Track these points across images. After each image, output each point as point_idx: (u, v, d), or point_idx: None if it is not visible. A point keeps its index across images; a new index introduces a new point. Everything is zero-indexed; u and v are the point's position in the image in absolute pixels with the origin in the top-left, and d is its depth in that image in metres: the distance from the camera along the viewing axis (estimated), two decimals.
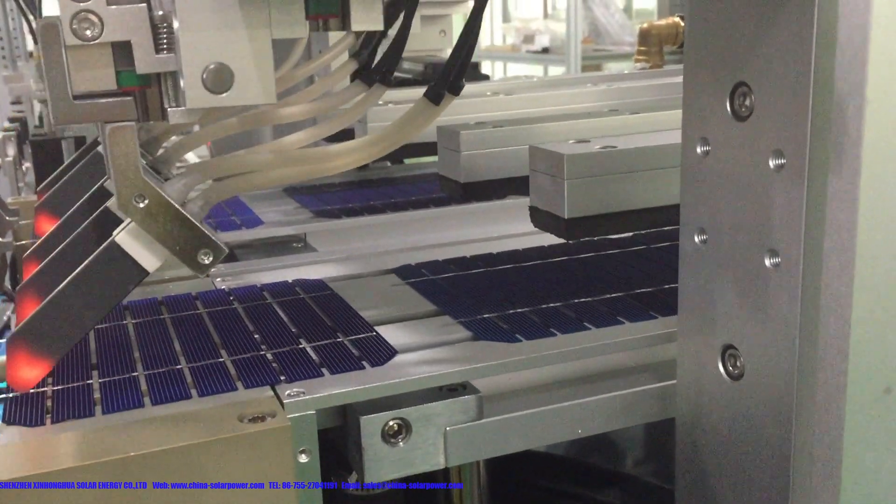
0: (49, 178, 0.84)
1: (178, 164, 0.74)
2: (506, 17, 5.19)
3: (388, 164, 1.20)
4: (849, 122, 0.38)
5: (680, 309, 0.50)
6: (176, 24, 0.43)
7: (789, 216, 0.42)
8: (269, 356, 0.54)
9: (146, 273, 0.49)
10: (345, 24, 0.46)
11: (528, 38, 4.35)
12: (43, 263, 0.58)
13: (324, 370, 0.52)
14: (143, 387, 0.50)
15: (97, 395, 0.50)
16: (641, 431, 0.85)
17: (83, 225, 0.58)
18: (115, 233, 0.49)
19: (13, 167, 1.33)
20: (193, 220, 0.49)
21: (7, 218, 0.93)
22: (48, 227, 0.73)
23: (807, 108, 0.40)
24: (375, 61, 0.68)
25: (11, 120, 1.41)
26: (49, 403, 0.49)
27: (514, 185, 0.71)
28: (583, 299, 0.62)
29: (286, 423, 0.45)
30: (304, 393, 0.48)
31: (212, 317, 0.62)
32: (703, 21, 0.46)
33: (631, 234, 0.75)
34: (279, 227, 0.88)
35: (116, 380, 0.52)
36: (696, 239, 0.48)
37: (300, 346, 0.55)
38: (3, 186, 1.33)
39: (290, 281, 0.70)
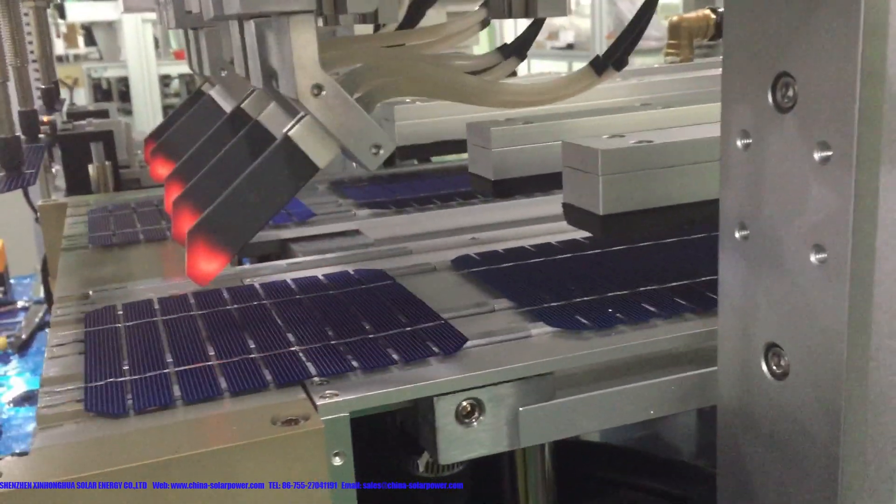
0: (157, 126, 0.87)
1: None
2: None
3: (416, 162, 1.20)
4: None
5: (720, 306, 0.49)
6: None
7: (836, 210, 0.40)
8: (302, 353, 0.53)
9: (316, 169, 0.50)
10: (528, 11, 0.47)
11: (553, 34, 4.33)
12: (196, 178, 0.59)
13: (356, 367, 0.51)
14: (174, 384, 0.50)
15: (128, 393, 0.49)
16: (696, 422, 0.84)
17: (233, 141, 0.59)
18: (286, 128, 0.50)
19: (44, 170, 1.33)
20: (366, 114, 0.50)
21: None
22: (164, 170, 0.78)
23: (854, 99, 0.38)
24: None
25: (42, 123, 1.42)
26: (82, 404, 0.49)
27: (546, 182, 0.70)
28: (647, 287, 0.61)
29: (319, 425, 0.45)
30: (337, 395, 0.48)
31: (242, 312, 0.61)
32: (743, 9, 0.44)
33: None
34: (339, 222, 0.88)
35: (147, 377, 0.51)
36: (738, 234, 0.47)
37: (331, 342, 0.55)
38: (34, 189, 1.34)
39: (351, 271, 0.69)
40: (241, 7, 0.45)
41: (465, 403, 0.49)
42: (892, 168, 0.38)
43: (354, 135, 0.49)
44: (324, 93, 0.48)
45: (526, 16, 0.49)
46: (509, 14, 0.48)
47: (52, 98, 1.48)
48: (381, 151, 0.50)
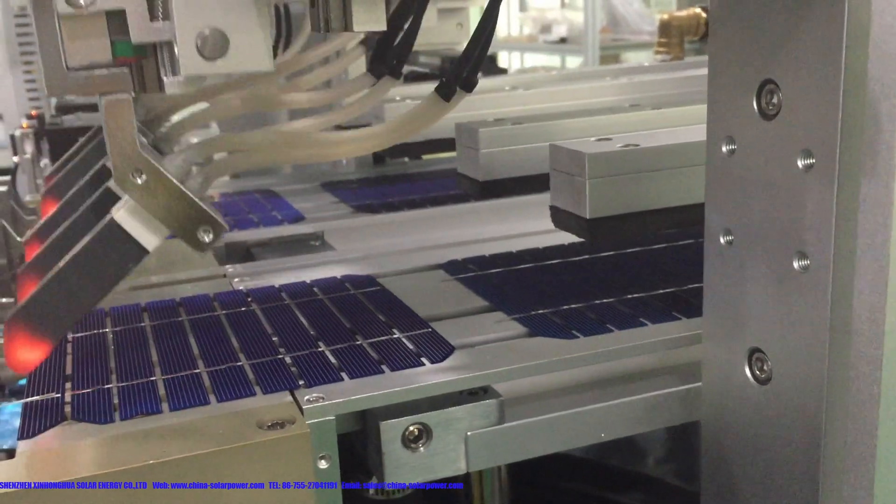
0: (56, 164, 0.84)
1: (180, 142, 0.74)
2: (522, 7, 5.15)
3: (406, 160, 1.20)
4: (882, 124, 0.37)
5: (705, 311, 0.49)
6: None
7: (819, 217, 0.40)
8: (289, 361, 0.53)
9: (146, 252, 0.48)
10: (346, 25, 0.45)
11: (546, 28, 4.32)
12: (44, 245, 0.57)
13: (343, 374, 0.51)
14: (162, 391, 0.50)
15: (115, 400, 0.49)
16: (662, 431, 0.84)
17: (84, 206, 0.57)
18: (112, 210, 0.48)
19: (31, 164, 1.33)
20: (193, 197, 0.48)
21: (25, 217, 0.93)
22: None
23: (837, 107, 0.39)
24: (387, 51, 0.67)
25: (29, 116, 1.42)
26: (68, 409, 0.49)
27: (534, 183, 0.70)
28: (605, 300, 0.61)
29: (305, 429, 0.45)
30: (322, 398, 0.48)
31: (231, 318, 0.61)
32: (729, 16, 0.44)
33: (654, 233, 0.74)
34: (296, 224, 0.88)
35: (134, 385, 0.51)
36: (722, 240, 0.47)
37: (318, 349, 0.55)
38: (21, 184, 1.34)
39: (339, 276, 0.69)
40: (53, 92, 0.44)
41: (411, 428, 0.48)
42: (871, 177, 0.38)
43: (179, 220, 0.47)
44: (143, 177, 0.46)
45: (346, 29, 0.46)
46: (328, 28, 0.46)
47: None
48: (212, 235, 0.48)
